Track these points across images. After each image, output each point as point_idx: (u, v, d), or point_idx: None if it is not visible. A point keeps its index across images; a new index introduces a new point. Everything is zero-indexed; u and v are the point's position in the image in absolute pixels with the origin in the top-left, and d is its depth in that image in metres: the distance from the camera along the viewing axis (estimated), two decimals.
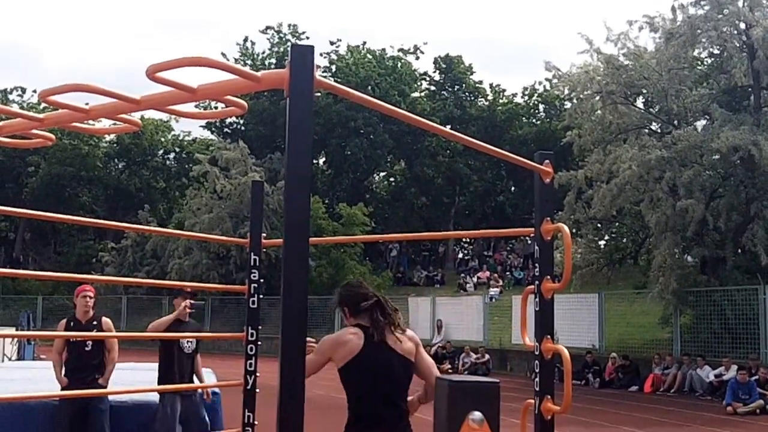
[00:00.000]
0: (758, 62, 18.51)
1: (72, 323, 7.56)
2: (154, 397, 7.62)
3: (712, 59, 22.56)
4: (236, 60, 41.42)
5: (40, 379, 8.92)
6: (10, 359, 16.01)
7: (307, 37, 43.32)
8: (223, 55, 39.94)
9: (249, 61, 42.54)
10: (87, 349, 7.50)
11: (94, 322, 7.62)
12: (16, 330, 18.70)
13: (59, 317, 34.28)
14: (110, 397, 7.51)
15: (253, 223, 6.41)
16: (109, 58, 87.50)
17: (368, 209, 35.82)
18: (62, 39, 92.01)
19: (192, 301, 7.67)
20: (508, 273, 32.42)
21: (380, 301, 4.12)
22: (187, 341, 7.60)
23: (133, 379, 9.05)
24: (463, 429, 4.92)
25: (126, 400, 7.54)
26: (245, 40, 44.29)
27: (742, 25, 19.13)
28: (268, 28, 43.65)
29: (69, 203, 42.73)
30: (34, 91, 45.34)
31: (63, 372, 7.45)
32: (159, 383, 7.59)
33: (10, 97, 47.43)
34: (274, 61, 42.97)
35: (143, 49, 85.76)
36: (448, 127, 35.53)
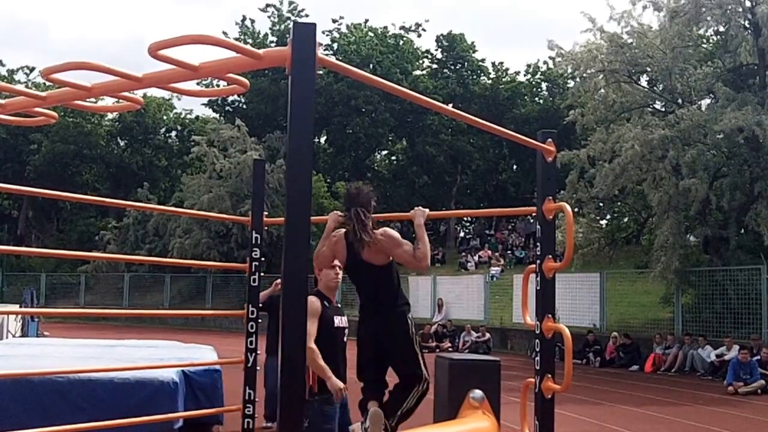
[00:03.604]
0: (763, 40, 18.39)
1: (326, 304, 5.37)
2: (155, 374, 7.66)
3: (717, 37, 22.42)
4: (237, 39, 41.20)
5: (43, 356, 8.97)
6: (14, 336, 16.07)
7: (307, 15, 43.10)
8: (225, 33, 39.78)
9: (249, 40, 42.34)
10: (345, 340, 5.46)
11: (338, 305, 5.64)
12: (20, 307, 18.74)
13: (62, 294, 34.30)
14: (111, 374, 7.55)
15: (254, 201, 6.42)
16: (113, 33, 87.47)
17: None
18: (67, 12, 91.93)
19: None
20: (509, 252, 32.44)
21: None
22: None
23: (135, 356, 9.11)
24: (464, 407, 4.96)
25: (128, 377, 7.58)
26: (244, 19, 44.12)
27: (748, 3, 18.98)
28: (268, 6, 43.41)
29: (71, 181, 42.77)
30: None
31: (317, 377, 5.16)
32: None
33: (16, 77, 47.28)
34: (275, 39, 42.76)
35: (148, 22, 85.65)
36: (450, 105, 35.42)
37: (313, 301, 5.17)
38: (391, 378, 5.05)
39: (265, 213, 6.47)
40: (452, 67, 43.37)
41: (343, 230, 5.04)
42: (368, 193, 5.06)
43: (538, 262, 4.54)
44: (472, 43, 43.42)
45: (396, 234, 4.99)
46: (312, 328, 5.08)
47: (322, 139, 43.04)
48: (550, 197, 4.56)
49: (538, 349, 4.55)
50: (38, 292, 31.07)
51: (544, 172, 4.61)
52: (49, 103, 3.24)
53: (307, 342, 4.83)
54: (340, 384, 5.00)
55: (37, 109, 3.36)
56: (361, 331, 5.03)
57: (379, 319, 4.92)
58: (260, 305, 7.61)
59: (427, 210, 5.22)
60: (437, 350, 20.23)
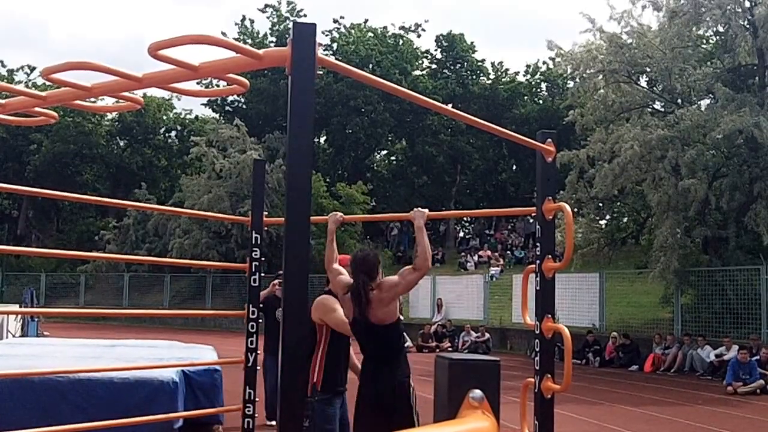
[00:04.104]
0: (761, 41, 18.41)
1: None
2: (155, 373, 7.66)
3: (717, 38, 22.43)
4: (236, 39, 41.14)
5: (43, 356, 8.98)
6: (14, 336, 16.08)
7: (305, 16, 43.08)
8: (224, 33, 39.76)
9: (249, 40, 42.31)
10: (349, 340, 5.45)
11: None
12: (20, 307, 18.75)
13: (62, 294, 34.28)
14: (111, 374, 7.55)
15: (254, 201, 6.42)
16: (113, 33, 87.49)
17: (367, 187, 35.75)
18: (67, 12, 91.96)
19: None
20: (508, 252, 32.42)
21: None
22: None
23: (135, 356, 9.11)
24: (464, 407, 4.96)
25: (127, 377, 7.58)
26: (243, 19, 44.10)
27: (747, 4, 19.00)
28: (267, 6, 43.41)
29: (71, 181, 42.73)
30: None
31: (321, 376, 5.21)
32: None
33: (17, 77, 47.22)
34: (274, 40, 42.73)
35: (148, 22, 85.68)
36: (450, 105, 35.43)
37: (330, 297, 5.25)
38: None
39: (265, 213, 6.47)
40: (452, 68, 43.34)
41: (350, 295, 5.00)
42: (374, 258, 5.04)
43: (538, 262, 4.55)
44: (472, 43, 43.39)
45: (390, 279, 4.96)
46: (340, 314, 5.11)
47: (322, 139, 43.02)
48: (550, 197, 4.57)
49: (537, 349, 4.55)
50: (38, 291, 31.07)
51: (543, 172, 4.61)
52: (49, 103, 3.24)
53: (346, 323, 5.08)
54: None
55: (37, 108, 3.36)
56: (362, 391, 5.01)
57: (381, 384, 4.90)
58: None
59: (426, 210, 5.21)
60: (437, 350, 20.25)
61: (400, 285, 4.92)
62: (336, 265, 5.23)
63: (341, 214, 5.63)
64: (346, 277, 5.11)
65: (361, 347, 5.08)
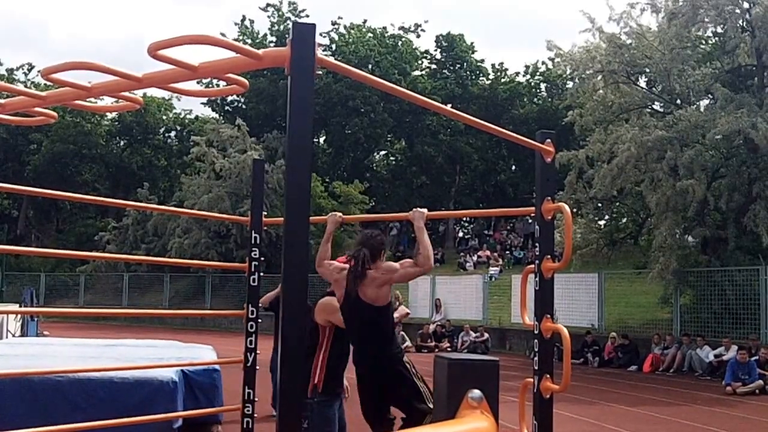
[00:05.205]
0: (759, 41, 18.42)
1: None
2: (155, 373, 7.67)
3: (716, 39, 22.45)
4: (236, 39, 41.16)
5: (43, 355, 8.98)
6: (13, 335, 16.07)
7: (307, 15, 43.11)
8: (223, 34, 39.76)
9: (248, 40, 42.34)
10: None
11: None
12: (20, 306, 18.74)
13: (62, 294, 34.23)
14: (111, 374, 7.55)
15: (254, 201, 6.42)
16: (113, 33, 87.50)
17: (364, 186, 35.73)
18: (67, 12, 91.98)
19: None
20: (508, 252, 32.45)
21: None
22: None
23: (135, 356, 9.12)
24: (462, 407, 4.96)
25: (127, 377, 7.59)
26: (243, 19, 44.15)
27: (746, 5, 19.01)
28: (268, 5, 43.44)
29: (71, 181, 42.75)
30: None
31: (324, 375, 5.37)
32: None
33: (16, 75, 47.24)
34: (274, 39, 42.76)
35: (148, 22, 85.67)
36: (449, 105, 35.41)
37: (334, 298, 5.32)
38: None
39: (264, 213, 6.47)
40: (451, 68, 43.36)
41: (348, 267, 5.01)
42: (380, 240, 5.11)
43: (537, 262, 4.55)
44: (472, 43, 43.46)
45: (389, 263, 4.99)
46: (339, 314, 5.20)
47: (321, 140, 43.06)
48: (549, 198, 4.57)
49: (536, 349, 4.55)
50: (37, 291, 31.06)
51: (542, 172, 4.61)
52: (49, 103, 3.24)
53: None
54: None
55: (36, 108, 3.36)
56: (360, 377, 4.99)
57: (376, 364, 4.88)
58: (268, 306, 7.63)
59: (426, 210, 5.20)
60: (435, 350, 20.25)
61: (398, 272, 4.92)
62: (328, 262, 5.24)
63: (340, 214, 5.62)
64: (341, 265, 5.14)
65: (347, 327, 5.02)
